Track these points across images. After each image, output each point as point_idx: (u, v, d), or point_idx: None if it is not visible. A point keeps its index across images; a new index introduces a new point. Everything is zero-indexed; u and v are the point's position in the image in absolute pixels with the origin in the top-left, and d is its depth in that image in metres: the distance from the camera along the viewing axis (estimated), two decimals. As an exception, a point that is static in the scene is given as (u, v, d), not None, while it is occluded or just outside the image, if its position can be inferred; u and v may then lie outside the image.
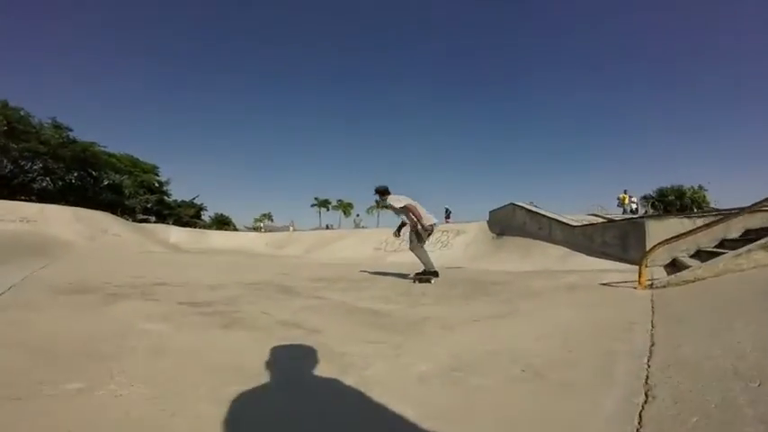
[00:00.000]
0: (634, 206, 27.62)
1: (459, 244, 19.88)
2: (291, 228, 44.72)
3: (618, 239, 10.99)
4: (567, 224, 14.20)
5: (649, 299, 3.95)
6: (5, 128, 33.61)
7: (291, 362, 2.37)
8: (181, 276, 7.04)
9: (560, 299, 4.71)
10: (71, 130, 42.62)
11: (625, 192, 27.75)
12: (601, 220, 19.40)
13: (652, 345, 2.40)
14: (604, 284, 5.78)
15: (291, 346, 2.63)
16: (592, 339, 2.72)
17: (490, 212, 22.23)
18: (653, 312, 3.32)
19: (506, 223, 19.00)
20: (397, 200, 7.17)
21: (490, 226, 20.54)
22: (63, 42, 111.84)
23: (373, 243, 23.51)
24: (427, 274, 6.93)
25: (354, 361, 2.32)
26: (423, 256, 7.09)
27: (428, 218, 7.15)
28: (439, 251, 19.29)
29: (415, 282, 6.84)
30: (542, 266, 11.43)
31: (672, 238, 5.97)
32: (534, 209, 16.94)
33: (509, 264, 13.00)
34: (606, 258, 10.63)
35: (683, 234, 5.94)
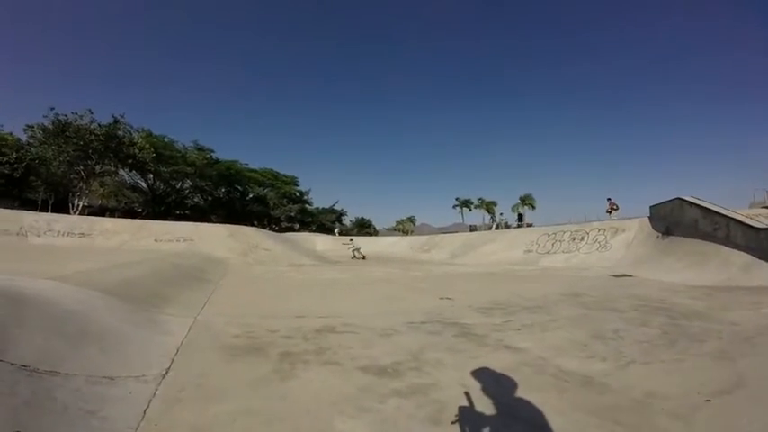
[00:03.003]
0: None
1: (618, 244, 18.57)
2: (496, 225, 42.71)
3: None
4: (750, 226, 12.37)
5: None
6: (153, 154, 40.26)
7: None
8: (343, 309, 7.11)
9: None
10: (213, 151, 51.10)
11: None
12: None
13: None
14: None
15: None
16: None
17: (651, 208, 20.17)
18: None
19: (673, 221, 17.19)
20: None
21: (653, 223, 18.63)
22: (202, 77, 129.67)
23: (523, 245, 22.94)
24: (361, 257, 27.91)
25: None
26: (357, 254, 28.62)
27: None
28: (597, 253, 18.81)
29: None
30: (725, 278, 10.77)
31: None
32: (709, 205, 15.05)
33: (683, 273, 11.94)
34: (800, 271, 9.98)
35: None
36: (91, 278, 6.60)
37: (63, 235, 21.19)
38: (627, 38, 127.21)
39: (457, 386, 3.30)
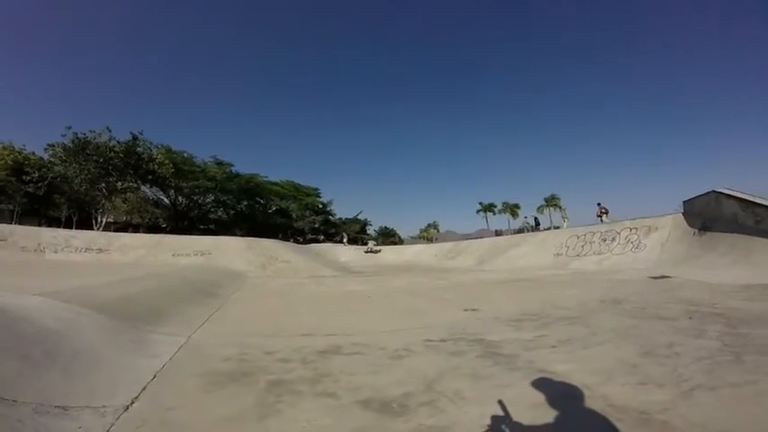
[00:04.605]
0: None
1: (653, 244, 18.01)
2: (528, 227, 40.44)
3: None
4: (799, 217, 11.97)
5: None
6: (172, 170, 41.82)
7: None
8: (355, 325, 6.77)
9: None
10: (232, 165, 52.63)
11: None
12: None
13: None
14: None
15: None
16: None
17: (684, 203, 19.60)
18: None
19: (709, 216, 16.54)
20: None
21: (688, 219, 17.96)
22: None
23: (552, 248, 22.49)
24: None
25: None
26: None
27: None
28: (631, 253, 18.33)
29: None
30: (778, 275, 10.05)
31: None
32: (749, 197, 14.38)
33: (729, 271, 11.30)
34: None
35: None
36: (86, 294, 6.35)
37: (81, 251, 21.59)
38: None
39: (477, 429, 2.75)
